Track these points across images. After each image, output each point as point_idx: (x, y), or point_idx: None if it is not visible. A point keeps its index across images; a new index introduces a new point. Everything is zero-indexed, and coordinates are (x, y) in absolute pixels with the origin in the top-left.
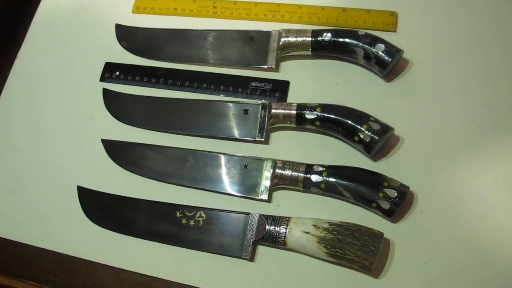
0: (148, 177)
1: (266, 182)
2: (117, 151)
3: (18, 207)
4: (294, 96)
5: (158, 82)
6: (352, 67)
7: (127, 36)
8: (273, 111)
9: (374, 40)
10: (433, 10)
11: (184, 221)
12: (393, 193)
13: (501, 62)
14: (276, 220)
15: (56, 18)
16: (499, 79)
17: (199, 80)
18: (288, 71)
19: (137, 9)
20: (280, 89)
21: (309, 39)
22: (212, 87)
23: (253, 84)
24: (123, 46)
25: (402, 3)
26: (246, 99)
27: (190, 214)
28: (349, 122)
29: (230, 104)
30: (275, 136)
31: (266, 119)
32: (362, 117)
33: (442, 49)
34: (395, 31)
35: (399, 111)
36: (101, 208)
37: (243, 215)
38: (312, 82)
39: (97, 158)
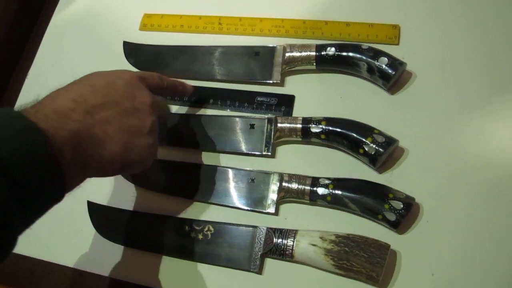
0: (157, 192)
1: (273, 196)
2: None
3: None
4: (300, 110)
5: (165, 97)
6: (356, 80)
7: (134, 53)
8: (279, 125)
9: (377, 54)
10: (435, 23)
11: (192, 234)
12: (398, 205)
13: (504, 72)
14: (283, 233)
15: (65, 36)
16: (502, 89)
17: (206, 95)
18: (293, 85)
19: (144, 27)
20: (285, 103)
21: (313, 53)
22: (219, 103)
23: (259, 99)
24: (130, 63)
25: (404, 16)
26: (252, 113)
27: (198, 228)
28: (354, 135)
29: (237, 119)
30: (281, 149)
31: (272, 133)
32: (366, 130)
33: (444, 61)
34: (398, 44)
35: (403, 123)
36: (110, 222)
37: (251, 228)
38: (317, 95)
39: None
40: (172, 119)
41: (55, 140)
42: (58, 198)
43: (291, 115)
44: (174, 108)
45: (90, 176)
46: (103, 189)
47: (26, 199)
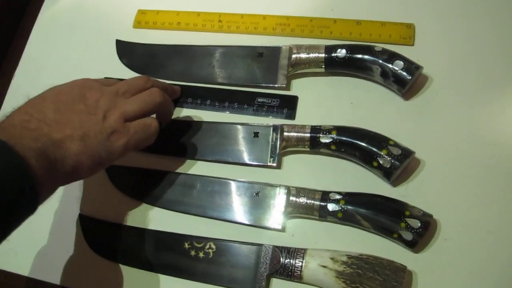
0: (154, 205)
1: (279, 211)
2: (121, 177)
3: (18, 237)
4: (306, 116)
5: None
6: (368, 84)
7: (128, 52)
8: (285, 134)
9: (392, 57)
10: (453, 22)
11: (193, 252)
12: (415, 223)
13: None
14: (291, 252)
15: (54, 33)
16: None
17: (203, 96)
18: (299, 89)
19: (138, 24)
20: (288, 105)
21: (322, 55)
22: (217, 104)
23: (259, 100)
24: (124, 63)
25: (419, 14)
26: (252, 116)
27: (199, 246)
28: (367, 146)
29: (239, 127)
30: (287, 160)
31: (278, 142)
32: (381, 141)
33: (463, 63)
34: (412, 44)
35: (419, 131)
36: (105, 238)
37: (256, 246)
38: (326, 101)
39: (100, 185)
40: (169, 126)
41: (18, 148)
42: (32, 204)
43: (294, 116)
44: None
45: (64, 181)
46: (97, 202)
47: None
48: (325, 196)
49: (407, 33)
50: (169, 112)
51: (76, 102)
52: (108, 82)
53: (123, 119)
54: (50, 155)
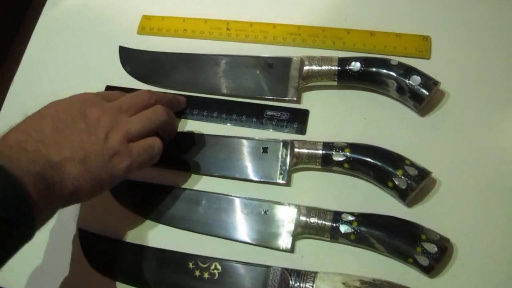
0: (157, 221)
1: (288, 231)
2: (123, 191)
3: None
4: (318, 131)
5: None
6: (382, 99)
7: (131, 60)
8: (296, 150)
9: (409, 71)
10: (471, 35)
11: (197, 273)
12: (432, 248)
13: None
14: (301, 275)
15: (54, 38)
16: None
17: (209, 107)
18: (311, 102)
19: (142, 30)
20: (298, 119)
21: (335, 68)
22: (224, 116)
23: (268, 113)
24: (127, 71)
25: (436, 26)
26: (261, 129)
27: (204, 266)
28: (382, 166)
29: (248, 141)
30: (297, 177)
31: (288, 158)
32: (397, 161)
33: (482, 78)
34: (429, 58)
35: (435, 149)
36: (105, 254)
37: (263, 268)
38: (338, 115)
39: (101, 199)
40: (174, 139)
41: (15, 172)
42: (29, 231)
43: (305, 131)
44: None
45: (63, 205)
46: (97, 216)
47: None
48: (337, 216)
49: (423, 45)
50: (174, 128)
51: (76, 120)
52: (110, 96)
53: (126, 139)
54: (48, 179)
